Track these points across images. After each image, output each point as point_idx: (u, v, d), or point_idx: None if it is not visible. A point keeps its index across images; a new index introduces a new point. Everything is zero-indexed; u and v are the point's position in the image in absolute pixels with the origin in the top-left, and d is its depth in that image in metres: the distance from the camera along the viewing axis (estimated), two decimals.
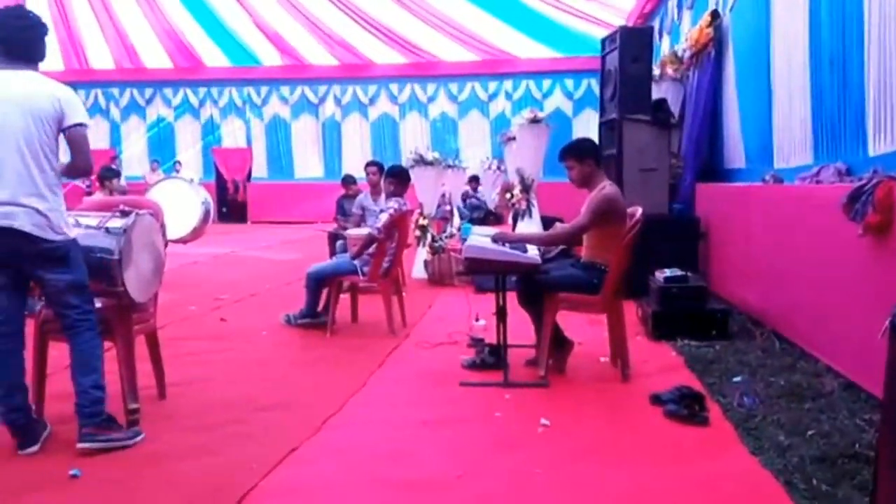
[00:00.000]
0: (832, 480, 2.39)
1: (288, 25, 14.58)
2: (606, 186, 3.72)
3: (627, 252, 3.61)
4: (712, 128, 6.63)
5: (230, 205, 16.07)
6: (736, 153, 6.22)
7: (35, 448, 2.72)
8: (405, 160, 8.33)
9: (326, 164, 16.23)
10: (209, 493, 2.39)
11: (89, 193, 8.55)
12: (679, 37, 8.23)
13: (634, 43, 5.96)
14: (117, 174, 6.79)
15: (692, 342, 4.30)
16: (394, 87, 15.88)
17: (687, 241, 5.70)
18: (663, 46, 9.02)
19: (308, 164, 16.35)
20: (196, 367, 3.97)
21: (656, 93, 6.51)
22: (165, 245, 3.29)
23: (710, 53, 6.54)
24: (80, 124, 2.70)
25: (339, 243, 6.38)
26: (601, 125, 6.47)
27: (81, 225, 2.90)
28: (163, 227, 3.25)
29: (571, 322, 4.07)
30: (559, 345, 3.81)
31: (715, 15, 6.53)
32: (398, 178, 5.22)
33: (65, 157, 2.77)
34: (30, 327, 2.95)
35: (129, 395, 3.00)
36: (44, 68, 2.81)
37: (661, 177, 5.98)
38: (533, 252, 3.66)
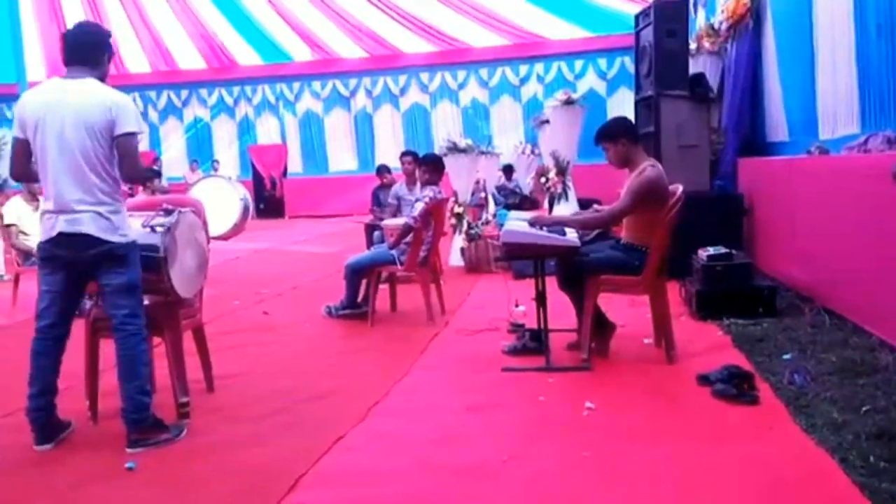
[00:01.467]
0: (890, 456, 2.32)
1: (317, 20, 14.66)
2: (647, 168, 3.61)
3: (669, 231, 3.54)
4: (753, 101, 6.45)
5: (267, 201, 16.29)
6: (779, 126, 6.04)
7: (49, 446, 2.79)
8: (438, 148, 8.31)
9: (360, 157, 16.31)
10: (261, 482, 2.44)
11: (132, 195, 8.78)
12: (715, 9, 8.00)
13: (669, 17, 5.81)
14: (158, 174, 6.96)
15: (739, 321, 4.21)
16: (424, 76, 15.83)
17: (730, 218, 5.56)
18: (699, 19, 8.79)
19: (342, 158, 16.45)
20: (242, 360, 4.04)
21: (693, 67, 6.36)
22: (208, 241, 3.35)
23: (748, 24, 6.35)
24: (129, 133, 2.72)
25: (375, 234, 6.42)
26: (637, 103, 6.35)
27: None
28: (205, 224, 3.31)
29: (613, 304, 4.01)
30: (601, 327, 3.76)
31: None
32: (433, 167, 5.22)
33: None
34: (80, 327, 3.04)
35: (179, 389, 3.07)
36: None
37: (701, 153, 5.84)
38: (572, 235, 3.62)
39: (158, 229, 2.96)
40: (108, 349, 3.14)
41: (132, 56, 16.02)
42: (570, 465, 2.47)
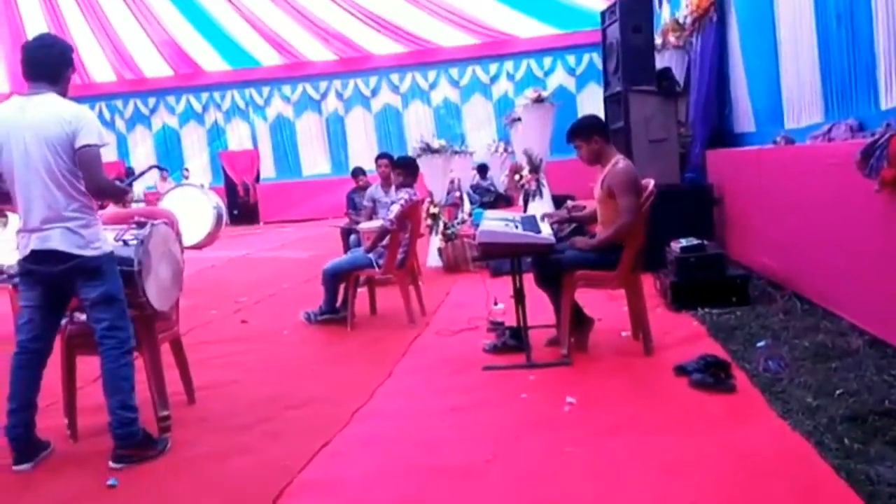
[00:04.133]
0: (864, 438, 2.39)
1: (284, 24, 14.55)
2: (620, 161, 3.70)
3: (642, 225, 3.60)
4: (719, 93, 6.55)
5: (241, 207, 16.11)
6: (745, 117, 6.15)
7: (28, 466, 2.75)
8: (411, 149, 8.30)
9: (333, 160, 16.24)
10: (246, 493, 2.43)
11: (102, 207, 8.62)
12: (679, 3, 8.11)
13: (634, 13, 5.87)
14: (130, 187, 6.83)
15: (713, 310, 4.28)
16: (395, 77, 15.81)
17: (701, 210, 5.65)
18: (664, 14, 8.90)
19: (315, 161, 16.36)
20: (222, 369, 4.01)
21: (660, 62, 6.44)
22: (182, 252, 3.32)
23: (711, 18, 6.45)
24: (88, 146, 2.66)
25: (352, 238, 6.41)
26: (606, 99, 6.42)
27: None
28: (178, 235, 3.28)
29: (590, 299, 4.06)
30: (579, 323, 3.81)
31: None
32: (407, 169, 5.22)
33: None
34: (57, 343, 2.99)
35: (159, 403, 3.04)
36: None
37: (670, 147, 5.93)
38: (546, 232, 3.66)
39: (131, 242, 2.93)
40: (84, 365, 3.11)
41: (96, 65, 15.74)
42: (555, 462, 2.50)
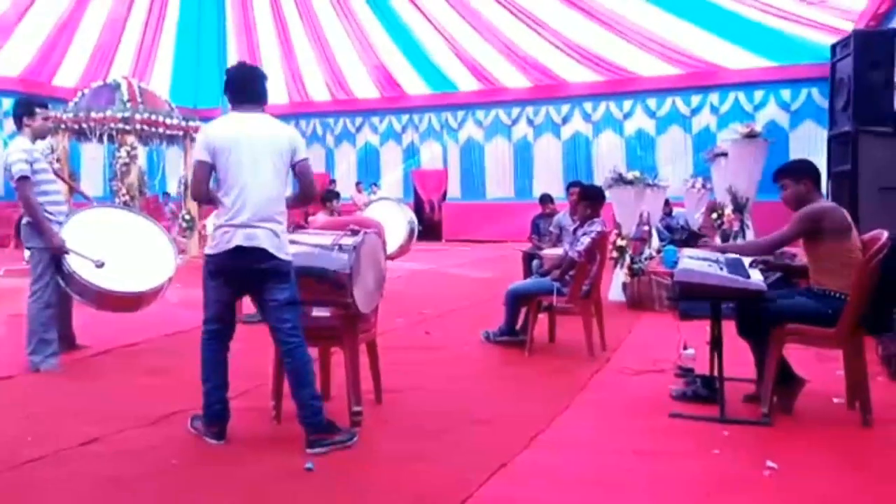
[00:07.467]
0: None
1: (484, 51, 15.08)
2: (822, 202, 3.42)
3: (870, 280, 3.21)
4: None
5: (426, 223, 16.84)
6: None
7: (222, 442, 3.05)
8: (598, 178, 8.14)
9: (517, 185, 16.45)
10: (430, 497, 2.50)
11: (309, 213, 9.48)
12: None
13: (872, 48, 5.35)
14: (337, 195, 7.46)
15: None
16: (587, 106, 15.69)
17: None
18: None
19: (500, 185, 16.68)
20: (406, 376, 4.18)
21: None
22: (385, 261, 3.54)
23: None
24: (306, 159, 3.13)
25: (534, 262, 6.42)
26: (830, 139, 5.86)
27: (315, 244, 3.24)
28: (384, 244, 3.51)
29: (795, 356, 3.68)
30: (786, 381, 3.46)
31: None
32: (593, 200, 5.07)
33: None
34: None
35: (354, 398, 3.25)
36: (270, 102, 3.25)
37: None
38: (757, 278, 3.39)
39: (346, 248, 3.17)
40: None
41: (315, 86, 17.41)
42: None
